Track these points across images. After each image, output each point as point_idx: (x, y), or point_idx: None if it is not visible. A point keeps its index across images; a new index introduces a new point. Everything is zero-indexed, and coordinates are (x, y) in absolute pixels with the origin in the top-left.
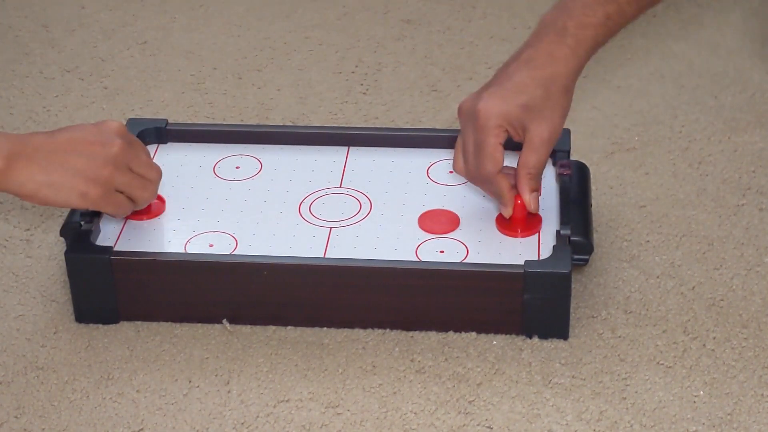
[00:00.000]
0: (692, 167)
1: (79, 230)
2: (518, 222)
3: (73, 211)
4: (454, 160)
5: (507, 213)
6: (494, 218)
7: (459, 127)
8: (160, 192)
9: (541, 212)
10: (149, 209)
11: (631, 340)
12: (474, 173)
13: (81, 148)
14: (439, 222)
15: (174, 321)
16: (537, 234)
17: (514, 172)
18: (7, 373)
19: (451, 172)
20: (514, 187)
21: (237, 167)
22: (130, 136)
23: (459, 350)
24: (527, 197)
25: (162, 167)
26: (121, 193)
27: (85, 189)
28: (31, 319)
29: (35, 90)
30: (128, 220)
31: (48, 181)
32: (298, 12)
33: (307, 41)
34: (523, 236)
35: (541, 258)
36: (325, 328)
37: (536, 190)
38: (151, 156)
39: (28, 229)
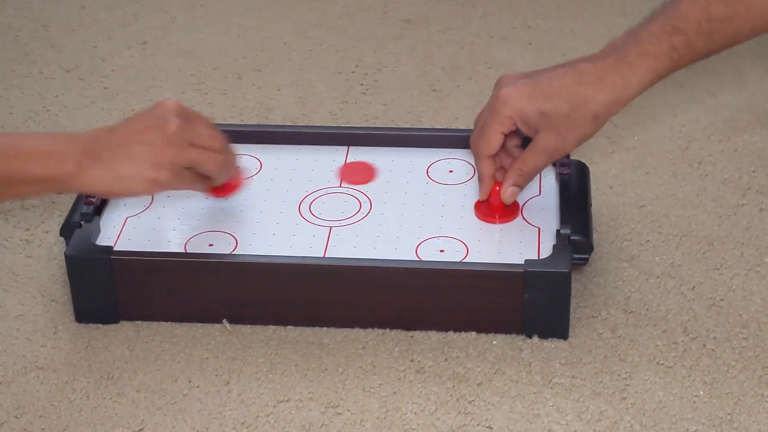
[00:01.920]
0: (692, 167)
1: (79, 230)
2: (494, 209)
3: (73, 211)
4: (478, 116)
5: (481, 195)
6: (489, 214)
7: (458, 127)
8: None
9: (540, 211)
10: (227, 186)
11: (631, 340)
12: (473, 138)
13: (141, 137)
14: (359, 173)
15: (174, 321)
16: (512, 222)
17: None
18: (7, 373)
19: (451, 171)
20: (501, 172)
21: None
22: (187, 111)
23: (459, 350)
24: (506, 187)
25: None
26: (194, 165)
27: (154, 175)
28: (31, 319)
29: (35, 90)
30: (128, 219)
31: (118, 176)
32: (298, 12)
33: (307, 41)
34: (500, 223)
35: (541, 257)
36: (325, 328)
37: (519, 186)
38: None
39: (28, 229)
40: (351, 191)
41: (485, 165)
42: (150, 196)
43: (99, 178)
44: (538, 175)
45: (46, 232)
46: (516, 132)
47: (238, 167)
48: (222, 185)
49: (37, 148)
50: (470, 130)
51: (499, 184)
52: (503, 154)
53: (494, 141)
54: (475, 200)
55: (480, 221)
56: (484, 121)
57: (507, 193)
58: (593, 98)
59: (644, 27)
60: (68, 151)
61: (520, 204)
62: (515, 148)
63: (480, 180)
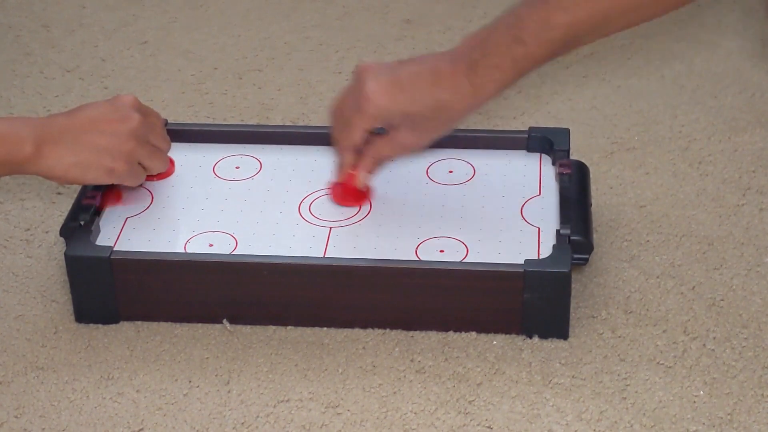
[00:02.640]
0: (692, 167)
1: (79, 230)
2: (349, 192)
3: (73, 211)
4: (333, 101)
5: (339, 179)
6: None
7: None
8: (159, 191)
9: (540, 211)
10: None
11: (631, 340)
12: (333, 131)
13: (103, 126)
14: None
15: (174, 321)
16: (364, 204)
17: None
18: (7, 373)
19: (451, 171)
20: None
21: (237, 167)
22: (144, 107)
23: (459, 350)
24: (362, 174)
25: None
26: (140, 163)
27: (112, 165)
28: (31, 319)
29: (35, 90)
30: (128, 220)
31: (76, 162)
32: (298, 12)
33: (307, 41)
34: (353, 205)
35: (541, 257)
36: (325, 328)
37: (371, 172)
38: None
39: (28, 229)
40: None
41: (348, 155)
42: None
43: (56, 162)
44: (538, 175)
45: (46, 232)
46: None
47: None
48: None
49: None
50: (471, 130)
51: (355, 168)
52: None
53: (358, 137)
54: (476, 199)
55: (336, 204)
56: (348, 115)
57: (362, 178)
58: (451, 105)
59: (491, 33)
60: (26, 134)
61: (520, 204)
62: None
63: (338, 167)
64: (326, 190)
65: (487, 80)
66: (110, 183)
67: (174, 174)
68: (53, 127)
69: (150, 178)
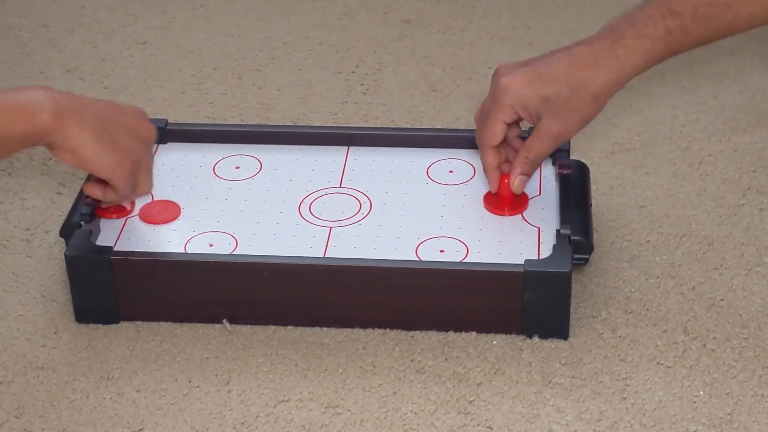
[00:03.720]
0: (692, 167)
1: (79, 230)
2: (504, 200)
3: (73, 211)
4: (477, 110)
5: (492, 188)
6: (489, 217)
7: (459, 127)
8: (159, 191)
9: (540, 211)
10: (123, 209)
11: (631, 340)
12: (477, 132)
13: (124, 120)
14: None
15: (174, 321)
16: (521, 214)
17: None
18: (7, 373)
19: (451, 171)
20: (506, 165)
21: (237, 167)
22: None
23: (459, 350)
24: (514, 176)
25: (162, 167)
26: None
27: (121, 159)
28: (31, 319)
29: None
30: (128, 220)
31: (94, 142)
32: (298, 12)
33: (307, 41)
34: (509, 215)
35: (541, 257)
36: (325, 328)
37: (526, 174)
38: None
39: (28, 229)
40: (351, 191)
41: (490, 155)
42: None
43: (76, 133)
44: (538, 175)
45: (46, 232)
46: (517, 123)
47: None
48: (114, 208)
49: (14, 104)
50: (471, 131)
51: (507, 176)
52: (506, 146)
53: (498, 130)
54: (476, 199)
55: (491, 213)
56: (486, 112)
57: (516, 182)
58: (591, 80)
59: (641, 9)
60: (44, 102)
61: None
62: (516, 139)
63: (486, 172)
64: (482, 224)
65: (636, 50)
66: (110, 178)
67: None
68: (77, 101)
69: (109, 214)
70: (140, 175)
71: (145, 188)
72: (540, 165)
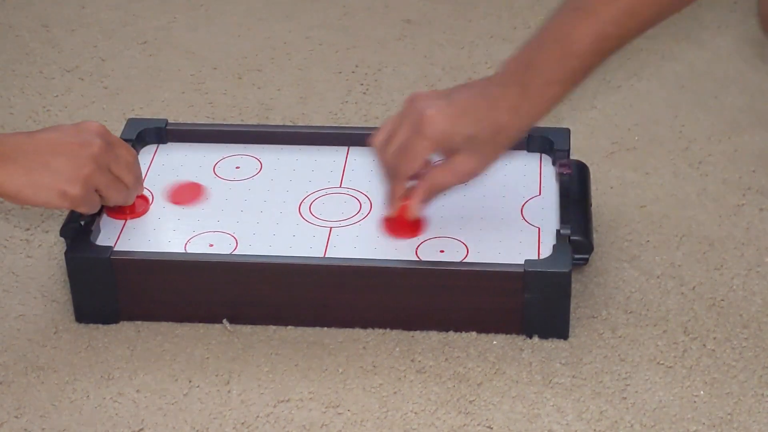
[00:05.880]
0: (692, 167)
1: (79, 230)
2: (402, 223)
3: (73, 211)
4: (378, 133)
5: (391, 212)
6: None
7: None
8: (150, 190)
9: (541, 210)
10: (133, 208)
11: (631, 340)
12: (388, 160)
13: (61, 149)
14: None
15: (174, 321)
16: (415, 237)
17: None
18: (8, 373)
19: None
20: (408, 189)
21: (237, 167)
22: (111, 136)
23: (459, 350)
24: (414, 203)
25: (162, 167)
26: (97, 191)
27: (65, 188)
28: (32, 319)
29: (35, 90)
30: (128, 219)
31: (28, 182)
32: (298, 12)
33: (307, 41)
34: (407, 238)
35: (541, 257)
36: (325, 328)
37: (425, 202)
38: (139, 156)
39: (28, 229)
40: (351, 192)
41: (402, 185)
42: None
43: (7, 179)
44: (538, 175)
45: (46, 232)
46: None
47: (142, 196)
48: (121, 208)
49: None
50: None
51: (406, 199)
52: None
53: (418, 164)
54: (477, 199)
55: (389, 237)
56: (406, 141)
57: (416, 209)
58: (511, 125)
59: (539, 52)
60: None
61: (520, 204)
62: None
63: (391, 198)
64: (380, 223)
65: (548, 95)
66: (63, 207)
67: (148, 212)
68: (9, 145)
69: (122, 215)
70: (105, 190)
71: (115, 199)
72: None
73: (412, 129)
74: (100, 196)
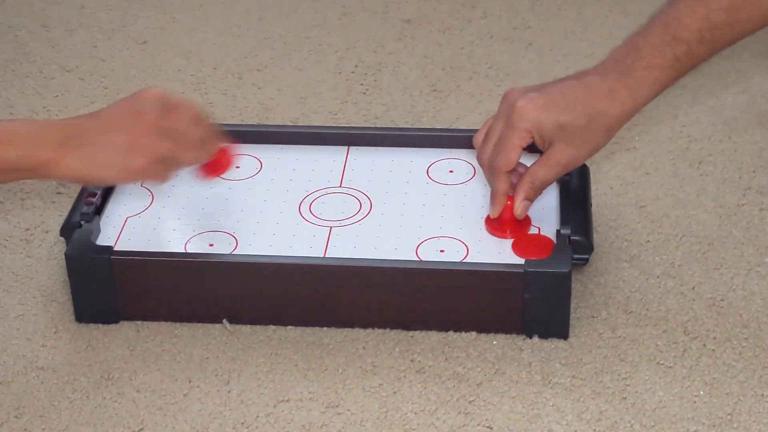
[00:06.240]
0: (692, 167)
1: (79, 230)
2: (506, 223)
3: (73, 211)
4: (478, 133)
5: (493, 213)
6: (479, 216)
7: (459, 127)
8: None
9: (541, 211)
10: (217, 165)
11: (631, 340)
12: (485, 158)
13: (118, 124)
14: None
15: (174, 321)
16: (524, 235)
17: (522, 171)
18: (7, 373)
19: (451, 171)
20: (513, 188)
21: (237, 167)
22: (168, 100)
23: (459, 350)
24: (518, 202)
25: None
26: (169, 158)
27: (128, 162)
28: (31, 318)
29: (35, 90)
30: (128, 219)
31: (92, 163)
32: (298, 12)
33: (307, 41)
34: (511, 237)
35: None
36: (325, 328)
37: (530, 199)
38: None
39: (28, 229)
40: (351, 191)
41: (503, 181)
42: (148, 190)
43: (75, 164)
44: None
45: (46, 232)
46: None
47: (224, 149)
48: (209, 165)
49: (15, 134)
50: (471, 130)
51: (511, 198)
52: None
53: (514, 155)
54: (476, 199)
55: (493, 236)
56: (500, 135)
57: (520, 208)
58: (606, 112)
59: (644, 37)
60: (46, 138)
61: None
62: (519, 163)
63: (493, 196)
64: (482, 223)
65: (648, 80)
66: (134, 181)
67: (231, 168)
68: (72, 130)
69: (212, 172)
70: (177, 153)
71: (190, 159)
72: (543, 191)
73: (505, 123)
74: (175, 161)
